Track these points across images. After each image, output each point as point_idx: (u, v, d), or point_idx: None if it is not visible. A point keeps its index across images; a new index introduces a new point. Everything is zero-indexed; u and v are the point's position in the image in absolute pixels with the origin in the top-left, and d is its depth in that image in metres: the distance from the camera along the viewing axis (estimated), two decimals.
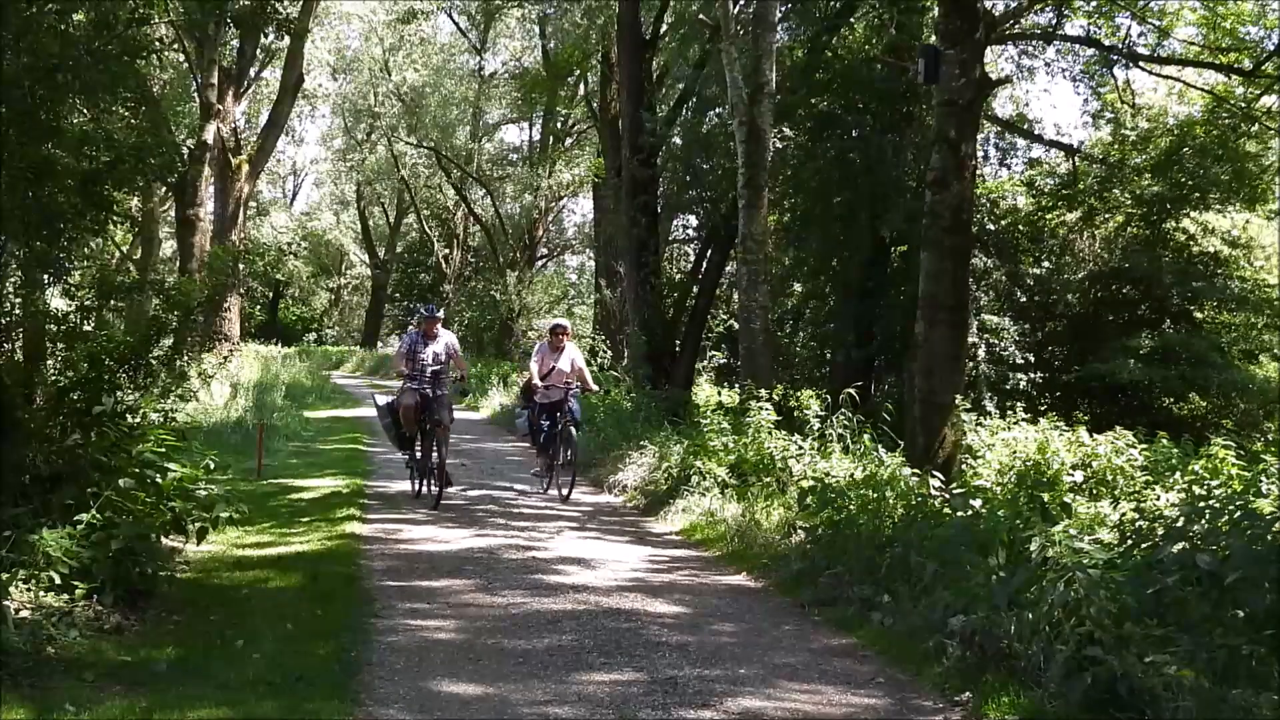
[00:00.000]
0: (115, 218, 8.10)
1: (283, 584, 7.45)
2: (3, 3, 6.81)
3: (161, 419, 7.99)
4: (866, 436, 11.08)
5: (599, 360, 22.22)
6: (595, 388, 12.81)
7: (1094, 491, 9.62)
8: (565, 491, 11.64)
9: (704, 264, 21.00)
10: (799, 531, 8.40)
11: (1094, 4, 15.04)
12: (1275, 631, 4.71)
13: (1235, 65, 14.99)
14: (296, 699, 4.99)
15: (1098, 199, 19.38)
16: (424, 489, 11.27)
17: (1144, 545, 5.78)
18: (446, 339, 11.27)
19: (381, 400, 11.42)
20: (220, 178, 22.77)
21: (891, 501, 8.09)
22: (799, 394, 12.62)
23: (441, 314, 11.64)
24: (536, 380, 11.62)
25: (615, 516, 10.91)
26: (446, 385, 11.19)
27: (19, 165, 6.81)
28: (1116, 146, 19.62)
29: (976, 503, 7.20)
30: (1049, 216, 19.87)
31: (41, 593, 5.84)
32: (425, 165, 42.88)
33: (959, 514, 7.06)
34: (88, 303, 7.80)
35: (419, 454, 11.26)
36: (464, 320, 38.80)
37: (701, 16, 17.99)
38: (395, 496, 11.61)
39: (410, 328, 12.10)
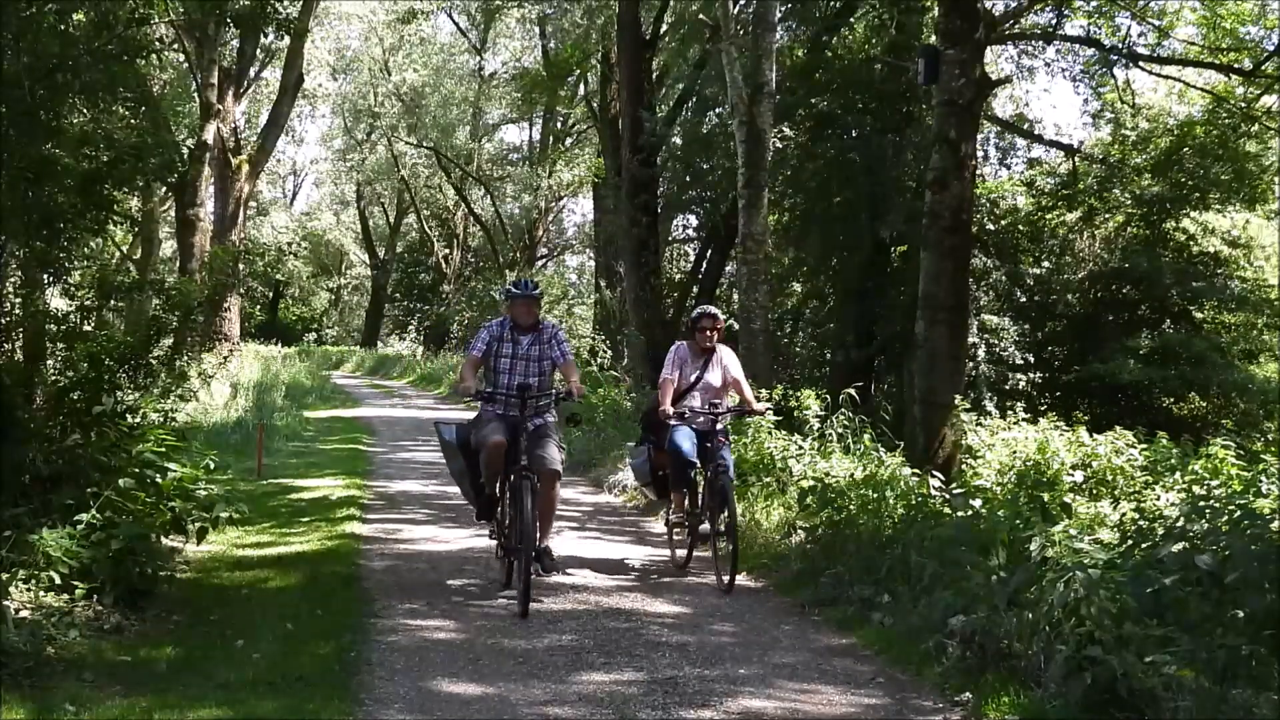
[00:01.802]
0: (115, 218, 8.12)
1: (283, 584, 7.45)
2: (3, 3, 6.82)
3: (161, 419, 8.01)
4: (866, 436, 11.08)
5: (599, 360, 22.21)
6: (761, 408, 8.50)
7: (1094, 491, 9.62)
8: (726, 578, 7.50)
9: (704, 264, 21.05)
10: (799, 531, 8.40)
11: (1094, 4, 15.05)
12: (1275, 631, 4.71)
13: (1235, 65, 15.00)
14: (296, 699, 4.99)
15: (1098, 199, 19.38)
16: (514, 576, 6.98)
17: (1144, 545, 5.78)
18: (550, 335, 7.34)
19: (448, 429, 7.38)
20: (220, 178, 22.78)
21: (891, 501, 8.10)
22: (799, 394, 12.62)
23: (540, 292, 7.48)
24: (667, 405, 7.83)
25: (615, 516, 10.90)
26: (551, 410, 7.23)
27: (19, 165, 6.82)
28: (1116, 146, 19.62)
29: (976, 503, 7.20)
30: (1049, 216, 19.86)
31: (41, 593, 5.85)
32: (425, 165, 42.91)
33: (959, 514, 7.06)
34: (88, 303, 7.82)
35: (505, 519, 7.16)
36: (464, 320, 38.80)
37: (701, 16, 17.99)
38: (395, 496, 11.60)
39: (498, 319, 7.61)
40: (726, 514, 7.60)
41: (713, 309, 8.23)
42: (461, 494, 7.61)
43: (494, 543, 7.51)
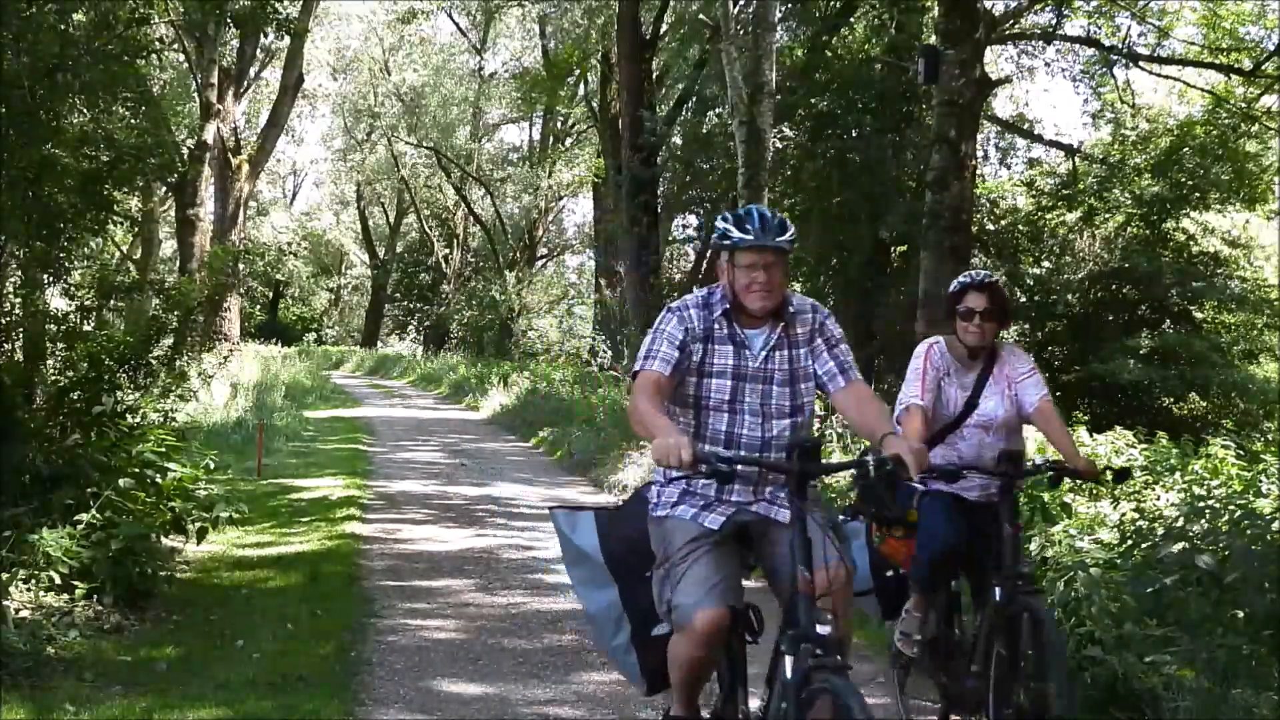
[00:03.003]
0: (115, 218, 8.12)
1: (283, 584, 7.45)
2: (3, 3, 6.82)
3: (161, 419, 8.01)
4: None
5: (599, 361, 22.19)
6: (1084, 463, 4.30)
7: (1094, 491, 9.62)
8: None
9: (704, 264, 21.04)
10: None
11: (1094, 4, 15.07)
12: (1275, 631, 4.71)
13: (1235, 65, 15.02)
14: (296, 699, 4.99)
15: (1098, 199, 19.40)
16: None
17: (1144, 545, 5.78)
18: (813, 326, 3.65)
19: (581, 524, 3.88)
20: (220, 178, 22.80)
21: None
22: None
23: (794, 238, 3.57)
24: (911, 445, 3.27)
25: None
26: (819, 505, 3.56)
27: (19, 165, 6.82)
28: (1116, 146, 19.64)
29: None
30: (1049, 216, 19.89)
31: (41, 593, 5.85)
32: (425, 165, 42.92)
33: None
34: (88, 303, 7.82)
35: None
36: (464, 320, 38.83)
37: (701, 16, 18.00)
38: (395, 496, 11.59)
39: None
40: (1044, 682, 3.90)
41: (986, 274, 4.54)
42: (605, 652, 4.18)
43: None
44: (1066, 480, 4.65)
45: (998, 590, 4.11)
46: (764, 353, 3.58)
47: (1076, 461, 4.32)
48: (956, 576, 4.52)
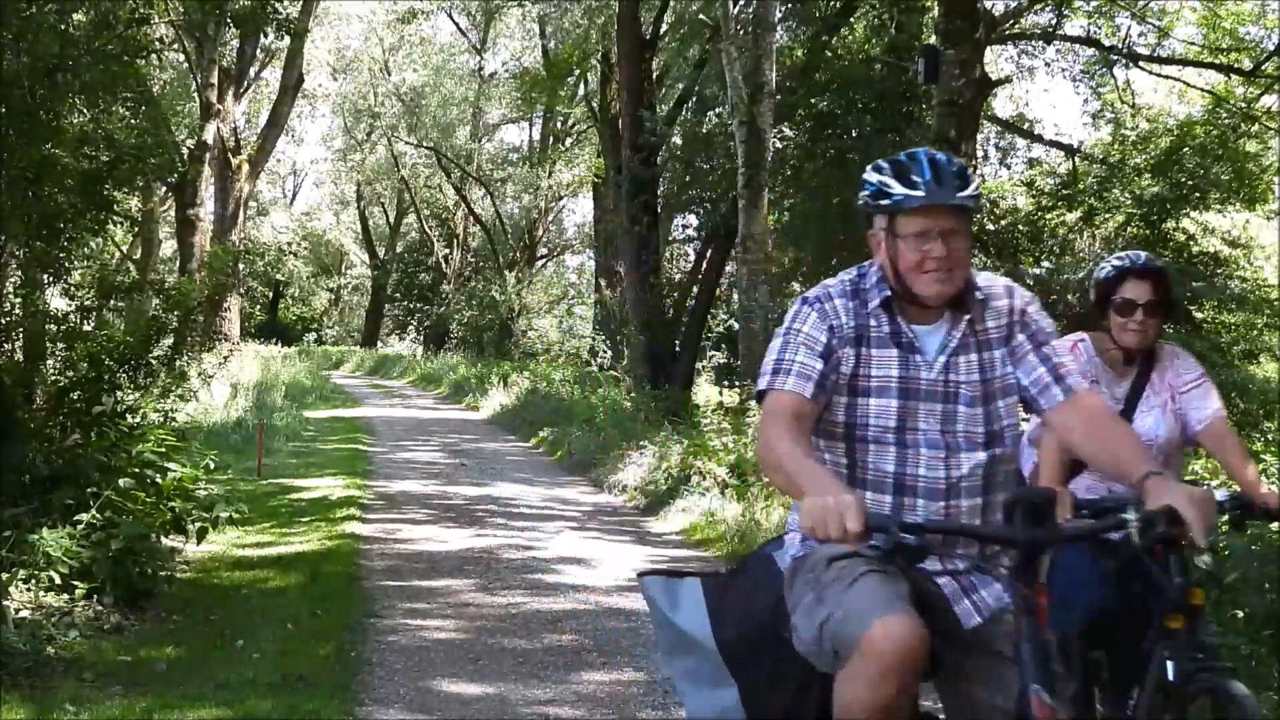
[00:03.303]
0: (115, 218, 8.13)
1: (283, 584, 7.45)
2: (3, 3, 6.83)
3: (161, 419, 8.01)
4: None
5: (599, 361, 22.19)
6: (1265, 487, 3.46)
7: None
8: None
9: (704, 264, 21.03)
10: None
11: (1094, 4, 15.08)
12: (1275, 631, 4.71)
13: (1235, 65, 15.03)
14: (296, 699, 4.99)
15: (1098, 199, 19.40)
16: None
17: None
18: (1012, 320, 2.63)
19: (683, 595, 2.79)
20: (220, 178, 22.81)
21: None
22: None
23: (977, 190, 2.52)
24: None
25: (615, 516, 10.90)
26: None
27: (19, 165, 6.83)
28: (1116, 146, 19.65)
29: None
30: (1049, 216, 19.88)
31: (41, 593, 5.85)
32: (425, 165, 42.93)
33: None
34: (88, 303, 7.82)
35: None
36: (464, 320, 38.83)
37: (701, 16, 18.00)
38: (395, 496, 11.60)
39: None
40: None
41: (1149, 257, 3.71)
42: None
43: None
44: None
45: (1170, 665, 2.92)
46: (943, 358, 2.56)
47: (1268, 499, 3.28)
48: (1101, 645, 3.50)
